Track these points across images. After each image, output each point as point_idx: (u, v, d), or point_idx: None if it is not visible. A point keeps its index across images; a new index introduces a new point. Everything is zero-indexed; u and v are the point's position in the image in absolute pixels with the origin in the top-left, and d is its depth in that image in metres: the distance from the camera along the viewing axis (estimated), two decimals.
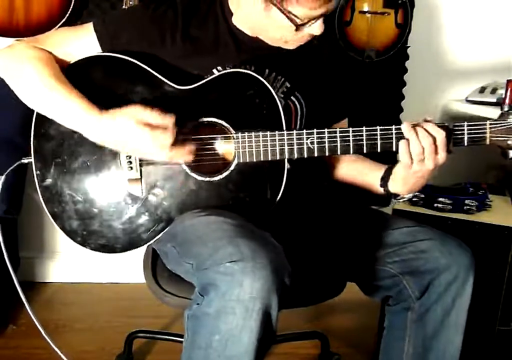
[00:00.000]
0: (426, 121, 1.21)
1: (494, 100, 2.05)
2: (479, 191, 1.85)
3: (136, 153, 1.23)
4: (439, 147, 1.18)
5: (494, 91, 2.08)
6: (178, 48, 1.30)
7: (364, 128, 1.22)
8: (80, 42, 1.30)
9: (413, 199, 1.83)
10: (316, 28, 1.25)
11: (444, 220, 1.76)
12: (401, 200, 1.33)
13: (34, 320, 1.39)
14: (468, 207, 1.79)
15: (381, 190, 1.32)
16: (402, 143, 1.19)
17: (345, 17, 2.11)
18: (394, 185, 1.29)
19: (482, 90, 2.14)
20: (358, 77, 2.18)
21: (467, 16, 2.30)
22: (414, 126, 1.19)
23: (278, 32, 1.27)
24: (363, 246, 1.31)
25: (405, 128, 1.19)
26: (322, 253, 1.37)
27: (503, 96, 1.96)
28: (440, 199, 1.80)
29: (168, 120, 1.18)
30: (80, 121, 1.20)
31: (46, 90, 1.22)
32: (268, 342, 1.10)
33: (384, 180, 1.31)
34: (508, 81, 1.94)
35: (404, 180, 1.26)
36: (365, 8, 2.09)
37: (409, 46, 2.19)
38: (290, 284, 1.08)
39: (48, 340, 1.43)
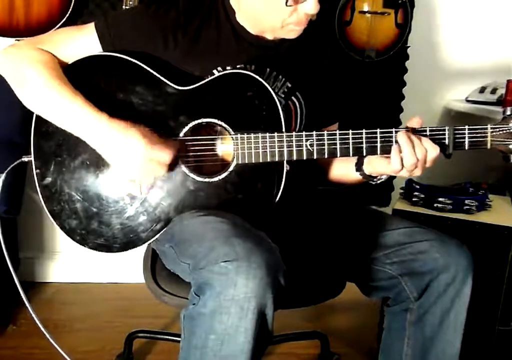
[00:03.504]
0: (417, 131, 1.21)
1: (494, 100, 2.05)
2: (479, 191, 1.85)
3: (131, 166, 1.20)
4: (428, 161, 1.19)
5: (494, 91, 2.08)
6: (180, 48, 1.30)
7: (364, 131, 1.22)
8: (82, 42, 1.29)
9: (413, 199, 1.83)
10: (310, 6, 1.23)
11: (444, 220, 1.76)
12: (378, 181, 1.32)
13: (36, 319, 1.38)
14: (468, 207, 1.79)
15: (357, 174, 1.32)
16: (394, 149, 1.20)
17: (345, 17, 2.11)
18: (368, 168, 1.30)
19: (482, 90, 2.14)
20: (358, 77, 2.18)
21: (467, 16, 2.30)
22: (409, 136, 1.19)
23: (275, 15, 1.26)
24: (361, 246, 1.31)
25: (402, 138, 1.19)
26: (321, 253, 1.37)
27: (503, 97, 1.97)
28: (440, 199, 1.80)
29: (172, 143, 1.21)
30: (87, 127, 1.18)
31: (51, 94, 1.20)
32: (265, 341, 1.10)
33: (359, 164, 1.31)
34: (508, 81, 1.95)
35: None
36: (365, 8, 2.10)
37: (409, 46, 2.20)
38: (286, 283, 1.08)
39: (51, 340, 1.43)
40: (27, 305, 1.36)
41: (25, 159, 1.30)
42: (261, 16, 1.29)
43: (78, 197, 1.27)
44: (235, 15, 1.33)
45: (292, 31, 1.30)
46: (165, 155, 1.18)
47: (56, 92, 1.20)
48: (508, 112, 1.22)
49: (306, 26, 1.32)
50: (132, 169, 1.21)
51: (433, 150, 1.19)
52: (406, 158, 1.18)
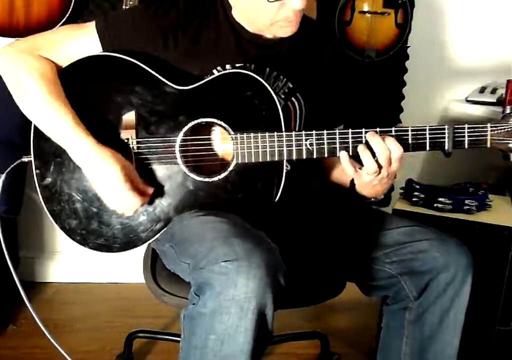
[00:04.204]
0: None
1: (494, 100, 2.05)
2: (479, 191, 1.84)
3: (103, 195, 1.24)
4: (393, 162, 1.19)
5: (494, 91, 2.08)
6: (180, 48, 1.30)
7: (363, 130, 1.22)
8: (82, 42, 1.30)
9: (413, 199, 1.83)
10: (296, 1, 1.22)
11: (444, 220, 1.76)
12: (372, 201, 1.33)
13: (37, 319, 1.38)
14: (468, 207, 1.79)
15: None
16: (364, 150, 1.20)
17: (345, 17, 2.11)
18: (359, 189, 1.31)
19: (482, 90, 2.14)
20: (358, 77, 2.18)
21: (467, 16, 2.29)
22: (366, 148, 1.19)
23: (262, 13, 1.25)
24: (361, 246, 1.31)
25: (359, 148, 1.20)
26: (321, 253, 1.37)
27: (503, 97, 1.97)
28: (440, 199, 1.79)
29: (149, 190, 1.23)
30: (73, 146, 1.21)
31: (46, 109, 1.21)
32: (264, 341, 1.10)
33: (352, 182, 1.31)
34: (508, 81, 1.95)
35: (363, 188, 1.28)
36: (365, 8, 2.10)
37: (409, 46, 2.19)
38: (286, 283, 1.08)
39: (51, 340, 1.43)
40: (28, 305, 1.36)
41: (25, 159, 1.30)
42: (250, 14, 1.29)
43: (78, 198, 1.27)
44: (231, 12, 1.33)
45: (283, 28, 1.29)
46: (136, 201, 1.21)
47: (50, 107, 1.21)
48: (508, 111, 1.22)
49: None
50: (108, 197, 1.24)
51: (398, 150, 1.18)
52: (366, 166, 1.19)
